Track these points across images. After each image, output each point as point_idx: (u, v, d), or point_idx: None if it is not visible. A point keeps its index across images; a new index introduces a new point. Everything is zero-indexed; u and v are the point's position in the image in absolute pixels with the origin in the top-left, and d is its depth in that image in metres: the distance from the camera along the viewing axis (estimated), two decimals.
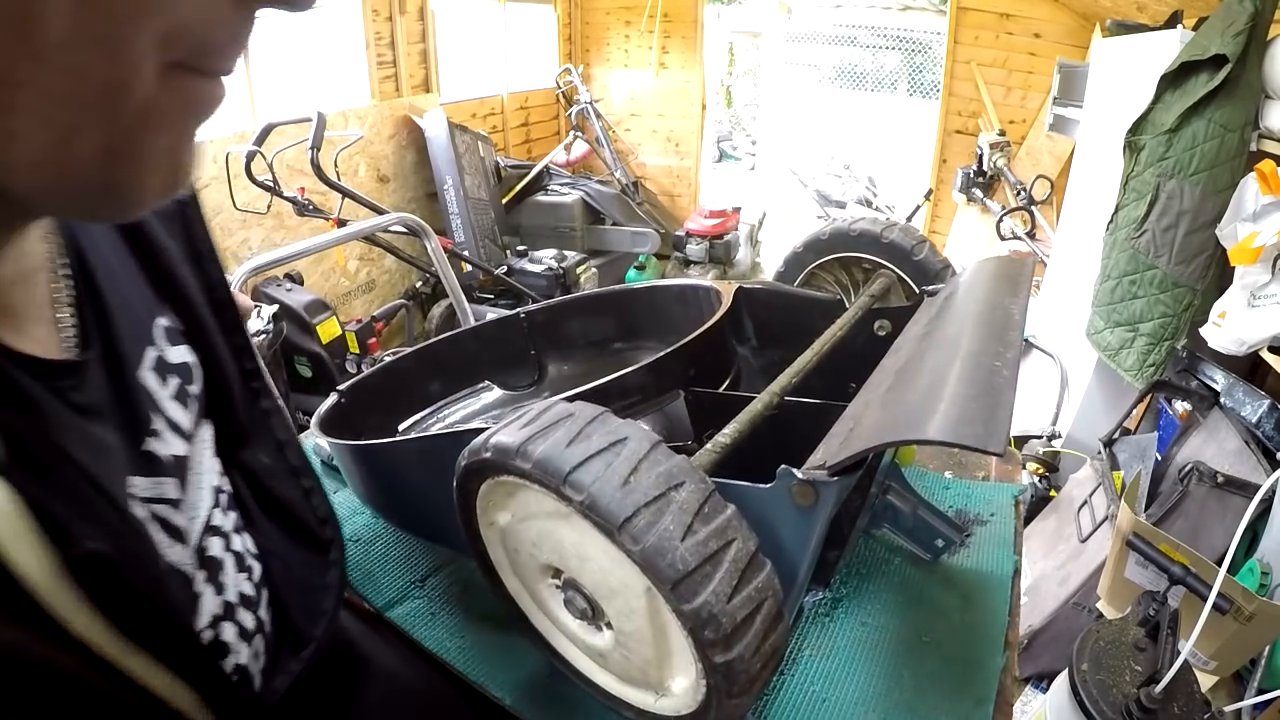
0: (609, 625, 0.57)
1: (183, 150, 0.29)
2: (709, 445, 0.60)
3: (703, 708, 0.53)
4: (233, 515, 0.50)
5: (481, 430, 0.56)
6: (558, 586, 0.59)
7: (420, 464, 0.79)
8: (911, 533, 0.81)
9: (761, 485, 0.53)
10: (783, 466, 0.52)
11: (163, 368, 0.44)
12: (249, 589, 0.49)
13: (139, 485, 0.39)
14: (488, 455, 0.53)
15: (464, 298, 1.44)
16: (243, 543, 0.50)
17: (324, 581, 0.56)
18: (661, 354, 0.77)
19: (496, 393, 1.26)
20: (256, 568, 0.51)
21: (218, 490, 0.48)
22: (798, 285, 1.14)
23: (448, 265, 1.37)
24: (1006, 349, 0.62)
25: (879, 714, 0.72)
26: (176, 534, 0.41)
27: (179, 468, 0.43)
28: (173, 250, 0.48)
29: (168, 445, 0.43)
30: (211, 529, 0.46)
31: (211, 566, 0.45)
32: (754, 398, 0.68)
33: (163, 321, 0.46)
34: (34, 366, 0.33)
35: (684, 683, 0.54)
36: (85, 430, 0.35)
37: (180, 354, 0.47)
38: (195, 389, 0.47)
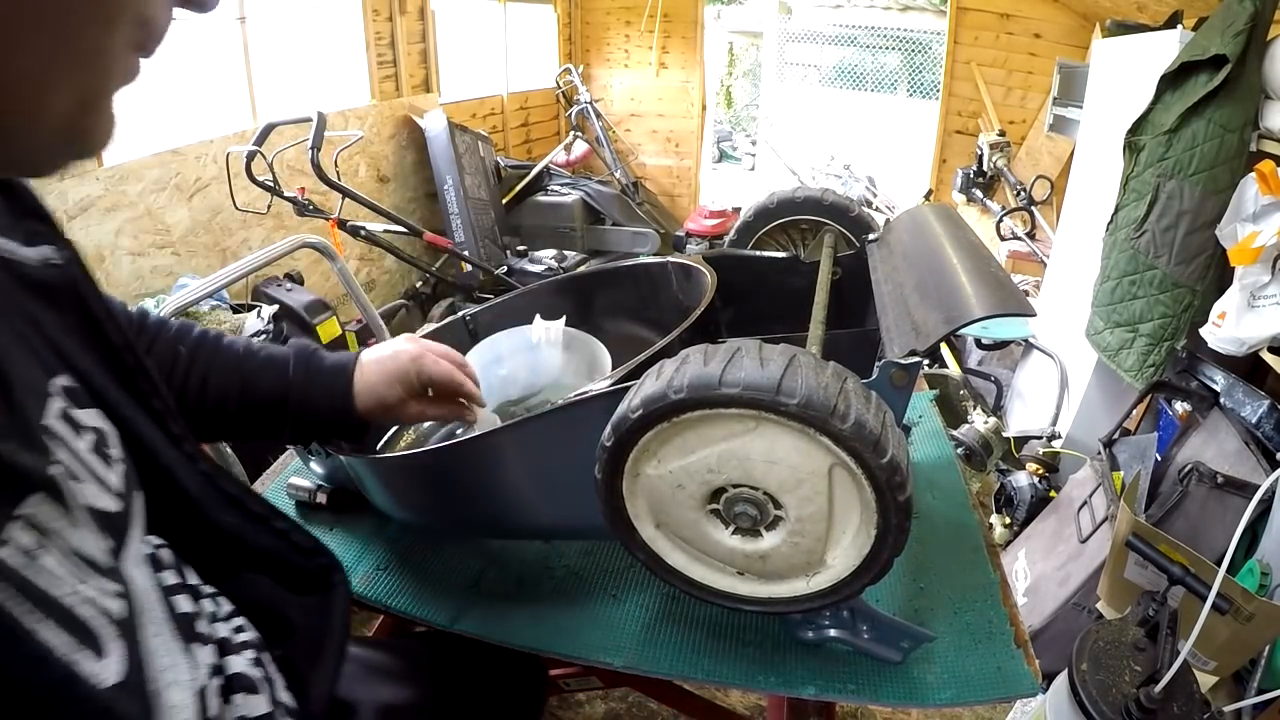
0: (773, 526, 0.68)
1: (115, 112, 0.35)
2: None
3: (868, 559, 0.66)
4: (205, 603, 0.46)
5: (625, 389, 0.65)
6: (715, 511, 0.69)
7: (526, 446, 0.80)
8: (876, 641, 0.80)
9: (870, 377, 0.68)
10: (885, 360, 0.65)
11: (71, 422, 0.38)
12: (245, 666, 0.45)
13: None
14: (679, 395, 0.60)
15: (377, 316, 1.50)
16: (227, 629, 0.47)
17: (329, 625, 0.56)
18: (682, 326, 0.88)
19: None
20: (251, 639, 0.48)
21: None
22: (749, 249, 1.27)
23: (356, 285, 1.45)
24: (989, 257, 0.81)
25: (911, 575, 0.91)
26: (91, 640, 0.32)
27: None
28: (56, 323, 0.43)
29: (100, 499, 0.37)
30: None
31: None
32: (802, 336, 0.84)
33: (60, 381, 0.40)
34: None
35: (847, 546, 0.67)
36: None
37: (91, 417, 0.41)
38: (115, 453, 0.42)
